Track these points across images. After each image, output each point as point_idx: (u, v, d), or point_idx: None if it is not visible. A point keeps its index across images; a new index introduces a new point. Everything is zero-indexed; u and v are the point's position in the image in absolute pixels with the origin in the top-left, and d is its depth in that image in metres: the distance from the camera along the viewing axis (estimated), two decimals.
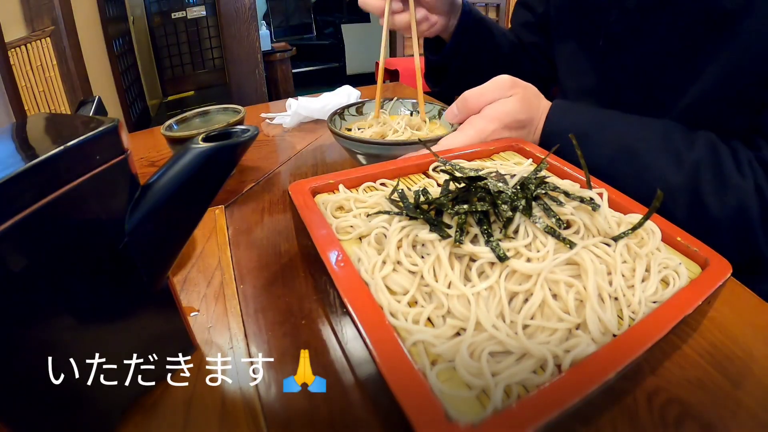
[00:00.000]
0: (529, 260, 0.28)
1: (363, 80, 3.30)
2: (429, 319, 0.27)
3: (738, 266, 0.30)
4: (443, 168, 0.36)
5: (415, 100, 0.63)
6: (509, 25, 0.82)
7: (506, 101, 0.48)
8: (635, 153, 0.45)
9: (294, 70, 2.98)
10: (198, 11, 2.79)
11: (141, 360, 0.27)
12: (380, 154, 0.49)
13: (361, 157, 0.52)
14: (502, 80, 0.49)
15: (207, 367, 0.30)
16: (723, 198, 0.41)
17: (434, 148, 0.45)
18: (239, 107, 0.62)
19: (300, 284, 0.37)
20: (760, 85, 0.44)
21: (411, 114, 0.64)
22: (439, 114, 0.61)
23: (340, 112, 0.61)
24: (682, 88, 0.49)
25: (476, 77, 0.56)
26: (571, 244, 0.28)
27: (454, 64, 0.69)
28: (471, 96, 0.49)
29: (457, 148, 0.46)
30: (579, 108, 0.50)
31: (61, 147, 0.20)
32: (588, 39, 0.59)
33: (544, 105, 0.50)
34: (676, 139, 0.45)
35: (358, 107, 0.63)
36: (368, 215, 0.35)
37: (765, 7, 0.42)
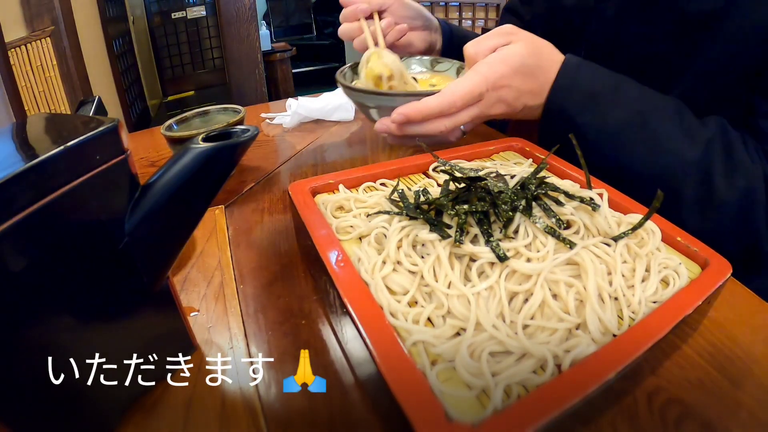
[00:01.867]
0: (529, 260, 0.28)
1: None
2: (429, 319, 0.27)
3: (733, 258, 0.30)
4: (443, 168, 0.36)
5: (431, 57, 0.60)
6: None
7: (512, 45, 0.44)
8: (649, 120, 0.43)
9: (294, 70, 2.98)
10: (198, 11, 2.79)
11: (141, 360, 0.27)
12: (389, 106, 0.43)
13: (373, 112, 0.47)
14: (503, 27, 0.46)
15: (207, 367, 0.30)
16: (732, 180, 0.40)
17: (438, 96, 0.41)
18: (239, 107, 0.62)
19: (300, 284, 0.37)
20: (740, 86, 0.44)
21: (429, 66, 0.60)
22: (458, 72, 0.57)
23: (353, 66, 0.56)
24: (663, 92, 0.49)
25: None
26: (571, 244, 0.28)
27: None
28: (470, 45, 0.45)
29: (460, 147, 0.46)
30: (593, 65, 0.46)
31: (61, 147, 0.20)
32: (569, 47, 0.59)
33: (557, 57, 0.46)
34: (689, 114, 0.43)
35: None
36: (368, 215, 0.35)
37: (743, 8, 0.41)
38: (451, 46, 0.66)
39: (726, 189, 0.40)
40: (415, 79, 0.56)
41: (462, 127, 0.45)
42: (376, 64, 0.50)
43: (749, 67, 0.43)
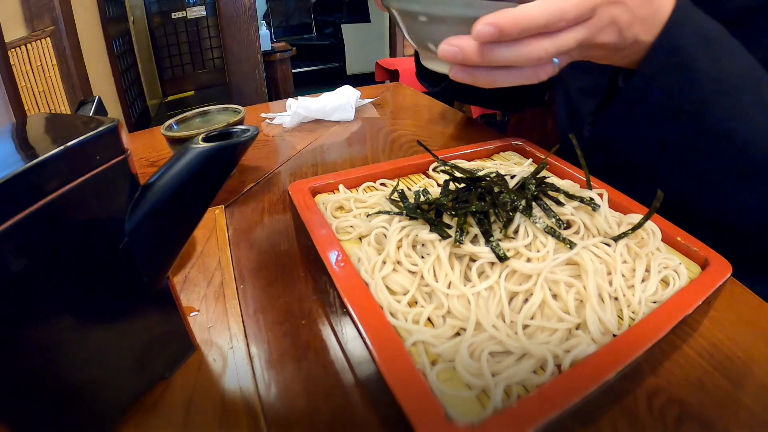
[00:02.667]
0: (529, 260, 0.28)
1: (363, 80, 3.30)
2: (429, 319, 0.27)
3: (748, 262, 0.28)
4: (443, 168, 0.35)
5: None
6: None
7: None
8: (763, 80, 0.36)
9: (294, 70, 2.98)
10: (198, 11, 2.79)
11: (141, 360, 0.27)
12: (465, 16, 0.29)
13: (430, 29, 0.31)
14: None
15: (207, 367, 0.30)
16: None
17: (543, 2, 0.28)
18: (239, 107, 0.62)
19: (300, 284, 0.37)
20: None
21: None
22: None
23: None
24: None
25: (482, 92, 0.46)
26: (571, 244, 0.28)
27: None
28: None
29: (459, 147, 0.46)
30: (702, 14, 0.37)
31: (61, 147, 0.20)
32: None
33: None
34: None
35: None
36: (368, 215, 0.35)
37: None
38: None
39: None
40: None
41: (556, 60, 0.32)
42: None
43: None
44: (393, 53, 3.08)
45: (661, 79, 0.35)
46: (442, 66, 0.33)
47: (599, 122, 0.43)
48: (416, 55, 0.67)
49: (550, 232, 0.29)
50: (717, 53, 0.35)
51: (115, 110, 2.13)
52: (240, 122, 0.58)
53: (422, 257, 0.29)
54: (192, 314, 0.34)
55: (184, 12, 2.78)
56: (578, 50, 0.32)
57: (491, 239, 0.28)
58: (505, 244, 0.28)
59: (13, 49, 1.42)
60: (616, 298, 0.28)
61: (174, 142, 0.55)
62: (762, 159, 0.35)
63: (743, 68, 0.36)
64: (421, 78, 0.67)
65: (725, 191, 0.40)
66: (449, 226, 0.30)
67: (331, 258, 0.30)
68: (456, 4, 0.29)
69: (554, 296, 0.27)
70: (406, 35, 0.35)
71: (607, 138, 0.44)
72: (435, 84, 0.68)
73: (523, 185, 0.32)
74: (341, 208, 0.37)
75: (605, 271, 0.29)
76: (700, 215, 0.40)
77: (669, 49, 0.34)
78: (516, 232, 0.30)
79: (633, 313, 0.27)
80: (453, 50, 0.29)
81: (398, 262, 0.29)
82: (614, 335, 0.26)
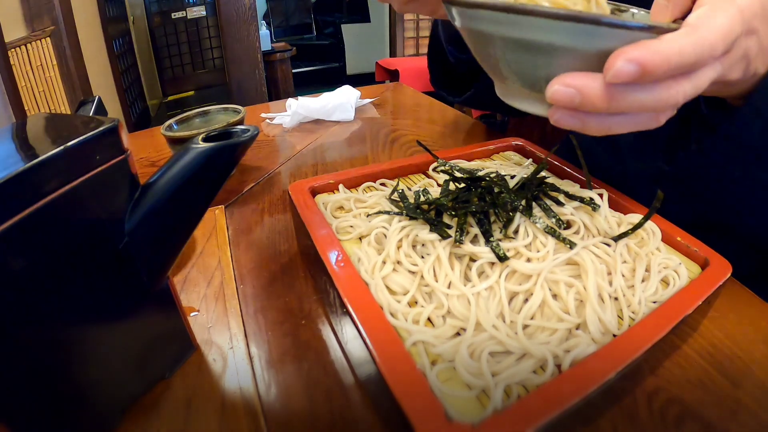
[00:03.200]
0: (529, 260, 0.28)
1: (363, 80, 3.30)
2: (429, 319, 0.27)
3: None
4: (443, 168, 0.36)
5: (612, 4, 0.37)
6: None
7: None
8: None
9: (294, 70, 2.98)
10: (198, 11, 2.79)
11: (141, 360, 0.27)
12: (584, 50, 0.22)
13: (505, 57, 0.24)
14: None
15: (207, 367, 0.30)
16: None
17: (689, 34, 0.21)
18: (239, 107, 0.62)
19: (300, 284, 0.37)
20: None
21: None
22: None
23: None
24: None
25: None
26: (571, 244, 0.28)
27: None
28: None
29: (459, 148, 0.46)
30: None
31: (61, 147, 0.20)
32: None
33: None
34: None
35: None
36: (368, 215, 0.35)
37: None
38: None
39: None
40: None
41: None
42: None
43: None
44: (393, 53, 3.08)
45: (755, 124, 0.31)
46: (535, 107, 0.25)
47: (688, 152, 0.38)
48: (429, 58, 0.59)
49: (550, 232, 0.29)
50: None
51: (115, 110, 2.13)
52: (240, 122, 0.58)
53: (422, 257, 0.29)
54: (192, 314, 0.34)
55: (184, 12, 2.78)
56: (710, 87, 0.25)
57: (491, 239, 0.28)
58: (505, 244, 0.28)
59: (13, 49, 1.42)
60: (616, 298, 0.28)
61: (174, 142, 0.55)
62: None
63: None
64: (439, 86, 0.61)
65: None
66: (449, 226, 0.30)
67: (331, 258, 0.30)
68: (574, 31, 0.21)
69: (554, 296, 0.27)
70: (481, 61, 0.26)
71: (685, 170, 0.39)
72: (457, 94, 0.60)
73: (523, 185, 0.32)
74: (341, 208, 0.37)
75: (605, 271, 0.29)
76: None
77: None
78: (516, 232, 0.30)
79: (633, 313, 0.27)
80: (569, 93, 0.22)
81: (398, 262, 0.29)
82: (614, 335, 0.26)
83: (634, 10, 0.32)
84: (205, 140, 0.25)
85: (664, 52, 0.21)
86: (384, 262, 0.29)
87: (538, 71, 0.23)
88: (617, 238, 0.30)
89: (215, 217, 0.48)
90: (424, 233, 0.30)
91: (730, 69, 0.27)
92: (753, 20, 0.25)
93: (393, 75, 2.19)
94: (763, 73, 0.30)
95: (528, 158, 0.45)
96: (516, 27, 0.22)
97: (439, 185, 0.39)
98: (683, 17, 0.24)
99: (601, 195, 0.34)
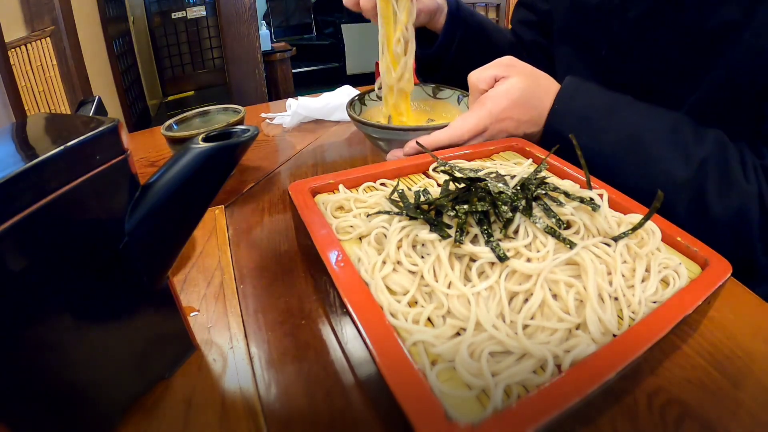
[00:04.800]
0: (529, 260, 0.28)
1: (363, 80, 3.29)
2: (429, 319, 0.27)
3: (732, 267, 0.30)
4: (443, 168, 0.36)
5: (433, 85, 0.64)
6: (510, 26, 0.81)
7: (513, 79, 0.48)
8: (641, 142, 0.44)
9: (294, 70, 2.98)
10: (198, 11, 2.80)
11: (141, 360, 0.27)
12: (393, 139, 0.51)
13: (381, 143, 0.53)
14: (503, 59, 0.50)
15: (207, 367, 0.30)
16: (726, 199, 0.41)
17: (447, 130, 0.46)
18: (239, 107, 0.62)
19: (300, 284, 0.37)
20: (758, 96, 0.44)
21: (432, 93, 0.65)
22: (458, 100, 0.62)
23: (361, 97, 0.61)
24: (681, 98, 0.49)
25: (466, 72, 0.54)
26: (571, 245, 0.28)
27: (448, 57, 0.69)
28: (473, 74, 0.50)
29: (459, 148, 0.46)
30: (589, 89, 0.49)
31: (61, 147, 0.20)
32: (590, 45, 0.59)
33: (553, 87, 0.50)
34: (686, 132, 0.44)
35: (379, 93, 0.63)
36: (368, 215, 0.35)
37: (764, 18, 0.42)
38: (459, 12, 0.67)
39: (719, 208, 0.41)
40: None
41: None
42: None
43: (765, 80, 0.43)
44: None
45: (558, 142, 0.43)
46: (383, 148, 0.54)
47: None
48: (418, 50, 0.71)
49: (550, 232, 0.29)
50: (593, 129, 0.45)
51: (115, 110, 2.13)
52: (240, 122, 0.58)
53: (422, 257, 0.29)
54: (192, 314, 0.34)
55: (184, 12, 2.78)
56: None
57: (491, 239, 0.28)
58: (505, 244, 0.28)
59: (13, 49, 1.42)
60: (616, 298, 0.28)
61: (174, 142, 0.55)
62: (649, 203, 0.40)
63: (618, 136, 0.45)
64: (420, 73, 0.74)
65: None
66: (449, 226, 0.30)
67: (331, 258, 0.30)
68: (394, 134, 0.50)
69: (554, 296, 0.27)
70: (368, 139, 0.55)
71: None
72: (430, 79, 0.73)
73: (523, 185, 0.32)
74: (341, 208, 0.37)
75: (605, 271, 0.29)
76: None
77: (552, 132, 0.48)
78: (516, 232, 0.30)
79: (633, 313, 0.27)
80: (393, 158, 0.49)
81: (398, 262, 0.29)
82: (614, 335, 0.25)
83: (455, 90, 0.63)
84: (205, 140, 0.25)
85: (429, 140, 0.47)
86: (384, 262, 0.29)
87: (385, 147, 0.53)
88: (617, 238, 0.30)
89: (215, 217, 0.48)
90: (424, 233, 0.30)
91: (493, 137, 0.49)
92: (502, 113, 0.47)
93: None
94: (538, 130, 0.50)
95: (528, 158, 0.45)
96: (373, 131, 0.52)
97: (439, 185, 0.39)
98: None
99: (601, 195, 0.34)
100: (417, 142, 0.45)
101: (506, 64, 0.49)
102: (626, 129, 0.45)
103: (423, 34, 0.70)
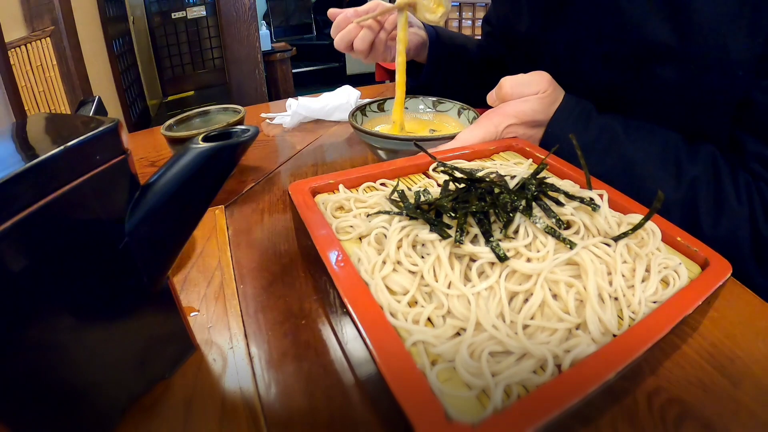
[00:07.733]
0: (529, 260, 0.28)
1: (363, 80, 3.30)
2: (429, 319, 0.27)
3: None
4: (443, 168, 0.36)
5: (434, 98, 0.65)
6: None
7: (528, 99, 0.49)
8: (633, 163, 0.45)
9: (294, 70, 2.98)
10: (198, 11, 2.79)
11: (141, 360, 0.27)
12: (398, 150, 0.52)
13: (381, 153, 0.54)
14: (542, 77, 0.50)
15: (207, 367, 0.30)
16: (717, 219, 0.41)
17: (452, 143, 0.48)
18: (239, 107, 0.62)
19: (300, 284, 0.37)
20: (706, 117, 0.45)
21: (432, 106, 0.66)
22: (458, 113, 0.63)
23: (362, 108, 0.62)
24: (629, 112, 0.50)
25: (454, 92, 0.62)
26: (572, 245, 0.28)
27: (434, 84, 0.72)
28: (508, 83, 0.50)
29: (458, 148, 0.46)
30: (582, 112, 0.49)
31: (61, 147, 0.20)
32: (533, 57, 0.62)
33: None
34: (679, 150, 0.44)
35: (380, 104, 0.65)
36: (368, 215, 0.35)
37: (696, 39, 0.42)
38: (439, 41, 0.70)
39: (710, 228, 0.41)
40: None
41: None
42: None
43: (710, 98, 0.44)
44: None
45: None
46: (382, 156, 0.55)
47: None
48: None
49: (550, 232, 0.29)
50: (586, 153, 0.43)
51: (115, 110, 2.12)
52: (240, 122, 0.58)
53: (422, 257, 0.29)
54: (192, 314, 0.34)
55: (184, 12, 2.78)
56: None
57: (491, 239, 0.28)
58: (505, 244, 0.28)
59: (13, 49, 1.42)
60: (616, 298, 0.28)
61: (174, 142, 0.55)
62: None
63: (613, 158, 0.46)
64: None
65: None
66: (449, 226, 0.30)
67: (331, 258, 0.30)
68: (398, 144, 0.51)
69: (554, 296, 0.27)
70: (369, 149, 0.57)
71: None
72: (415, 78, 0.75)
73: (523, 185, 0.32)
74: (341, 208, 0.37)
75: (605, 271, 0.29)
76: None
77: (554, 137, 0.49)
78: (516, 232, 0.30)
79: (633, 313, 0.27)
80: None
81: (398, 262, 0.29)
82: (614, 335, 0.25)
83: (456, 102, 0.64)
84: (205, 140, 0.25)
85: (436, 152, 0.45)
86: (384, 262, 0.29)
87: (385, 156, 0.54)
88: (617, 238, 0.30)
89: (215, 217, 0.48)
90: (424, 233, 0.30)
91: (506, 135, 0.50)
92: (508, 129, 0.49)
93: (393, 75, 2.19)
94: (540, 134, 0.51)
95: (528, 158, 0.45)
96: (378, 141, 0.52)
97: (439, 185, 0.39)
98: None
99: (601, 195, 0.34)
100: (422, 148, 0.45)
101: (545, 83, 0.49)
102: (619, 150, 0.46)
103: (410, 66, 0.72)
